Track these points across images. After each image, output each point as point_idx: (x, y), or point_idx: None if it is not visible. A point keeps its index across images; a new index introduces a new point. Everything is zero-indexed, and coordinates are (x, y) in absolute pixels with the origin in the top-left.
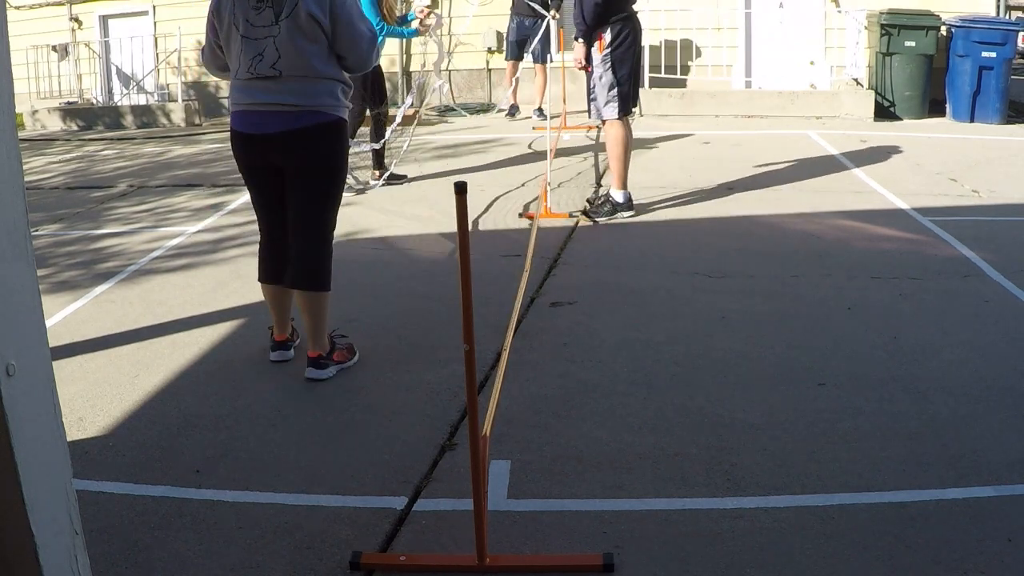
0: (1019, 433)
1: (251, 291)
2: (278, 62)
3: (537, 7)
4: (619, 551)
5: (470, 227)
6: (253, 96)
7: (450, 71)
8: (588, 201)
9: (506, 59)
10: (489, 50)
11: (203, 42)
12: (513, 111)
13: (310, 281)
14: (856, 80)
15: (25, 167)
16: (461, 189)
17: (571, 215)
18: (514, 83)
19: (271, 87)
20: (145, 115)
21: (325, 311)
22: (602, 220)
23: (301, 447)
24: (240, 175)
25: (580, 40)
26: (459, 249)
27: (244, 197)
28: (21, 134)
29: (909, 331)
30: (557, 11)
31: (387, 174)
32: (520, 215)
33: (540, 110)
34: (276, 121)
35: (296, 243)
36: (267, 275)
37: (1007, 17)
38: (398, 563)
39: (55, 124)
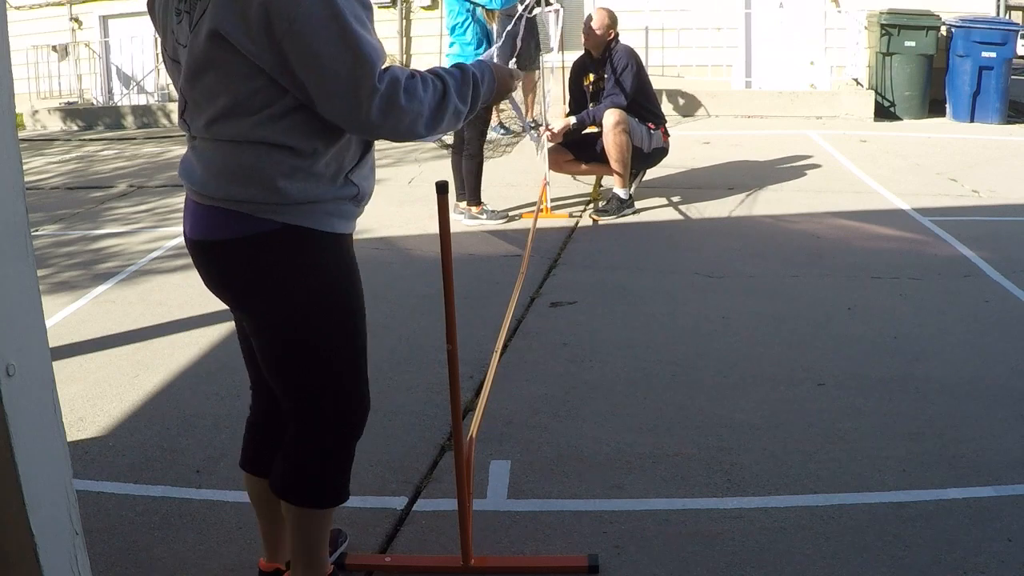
0: (1019, 433)
1: None
2: (186, 109)
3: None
4: (619, 551)
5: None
6: (183, 165)
7: None
8: (594, 199)
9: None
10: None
11: None
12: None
13: (295, 490)
14: (856, 80)
15: (25, 167)
16: (442, 189)
17: (571, 215)
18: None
19: (188, 156)
20: (145, 115)
21: (320, 530)
22: (610, 219)
23: None
24: None
25: (572, 120)
26: (441, 248)
27: None
28: (21, 134)
29: (909, 331)
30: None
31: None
32: (520, 215)
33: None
34: (197, 219)
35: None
36: (247, 460)
37: (1007, 17)
38: (383, 564)
39: (55, 124)
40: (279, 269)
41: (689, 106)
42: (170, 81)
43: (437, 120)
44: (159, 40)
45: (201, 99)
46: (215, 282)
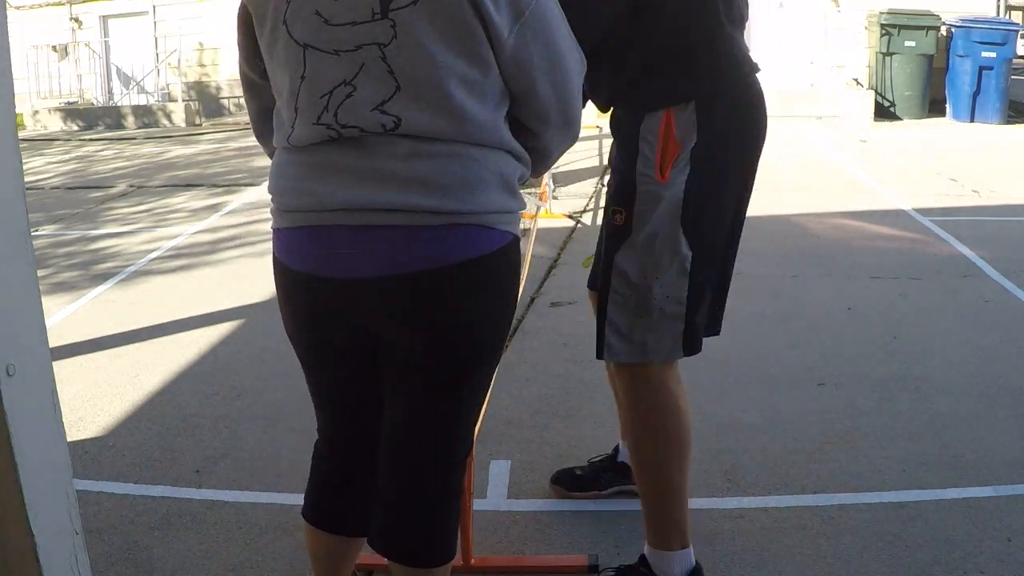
0: (1019, 433)
1: (251, 291)
2: (391, 100)
3: None
4: (619, 551)
5: None
6: (324, 185)
7: None
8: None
9: None
10: None
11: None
12: None
13: (414, 549)
14: (856, 80)
15: (25, 167)
16: None
17: (571, 215)
18: None
19: (375, 164)
20: (145, 115)
21: None
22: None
23: (301, 447)
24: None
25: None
26: None
27: (244, 197)
28: (21, 134)
29: (909, 331)
30: None
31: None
32: (520, 215)
33: None
34: (388, 247)
35: (395, 477)
36: (318, 514)
37: (1007, 17)
38: (384, 564)
39: (56, 124)
40: (502, 288)
41: None
42: (170, 81)
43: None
44: (254, 19)
45: (426, 81)
46: (401, 322)
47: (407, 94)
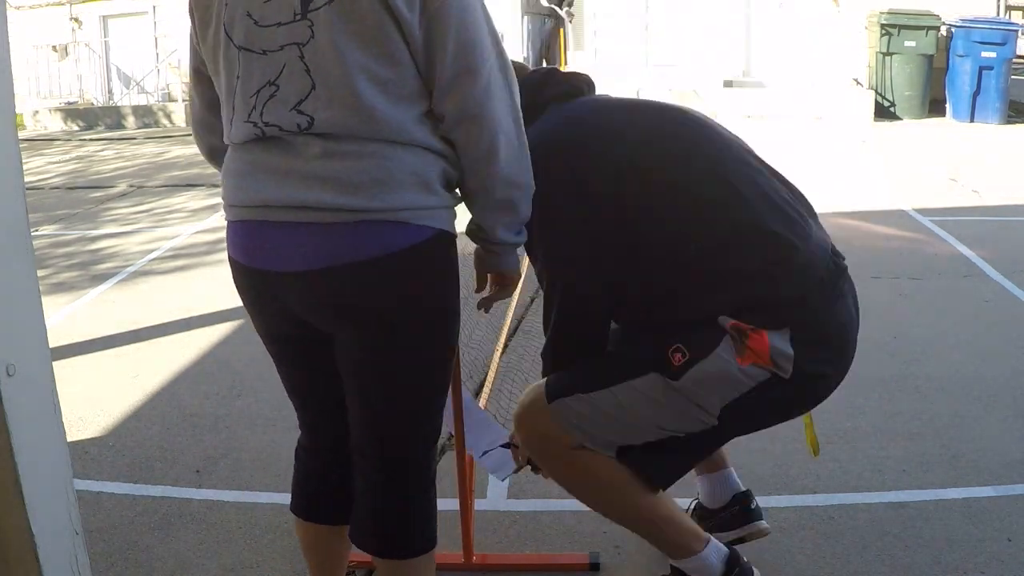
0: (1019, 433)
1: None
2: (307, 99)
3: (554, 6)
4: (619, 551)
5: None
6: (254, 182)
7: None
8: None
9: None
10: None
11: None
12: None
13: (389, 541)
14: (856, 80)
15: (25, 167)
16: None
17: None
18: None
19: (293, 163)
20: (146, 115)
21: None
22: None
23: None
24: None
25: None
26: None
27: None
28: (21, 134)
29: (909, 331)
30: (570, 6)
31: None
32: None
33: None
34: (306, 243)
35: (358, 471)
36: (302, 505)
37: (1007, 17)
38: None
39: (56, 124)
40: (428, 280)
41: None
42: (170, 81)
43: (519, 195)
44: (195, 20)
45: (341, 79)
46: (335, 313)
47: (321, 93)
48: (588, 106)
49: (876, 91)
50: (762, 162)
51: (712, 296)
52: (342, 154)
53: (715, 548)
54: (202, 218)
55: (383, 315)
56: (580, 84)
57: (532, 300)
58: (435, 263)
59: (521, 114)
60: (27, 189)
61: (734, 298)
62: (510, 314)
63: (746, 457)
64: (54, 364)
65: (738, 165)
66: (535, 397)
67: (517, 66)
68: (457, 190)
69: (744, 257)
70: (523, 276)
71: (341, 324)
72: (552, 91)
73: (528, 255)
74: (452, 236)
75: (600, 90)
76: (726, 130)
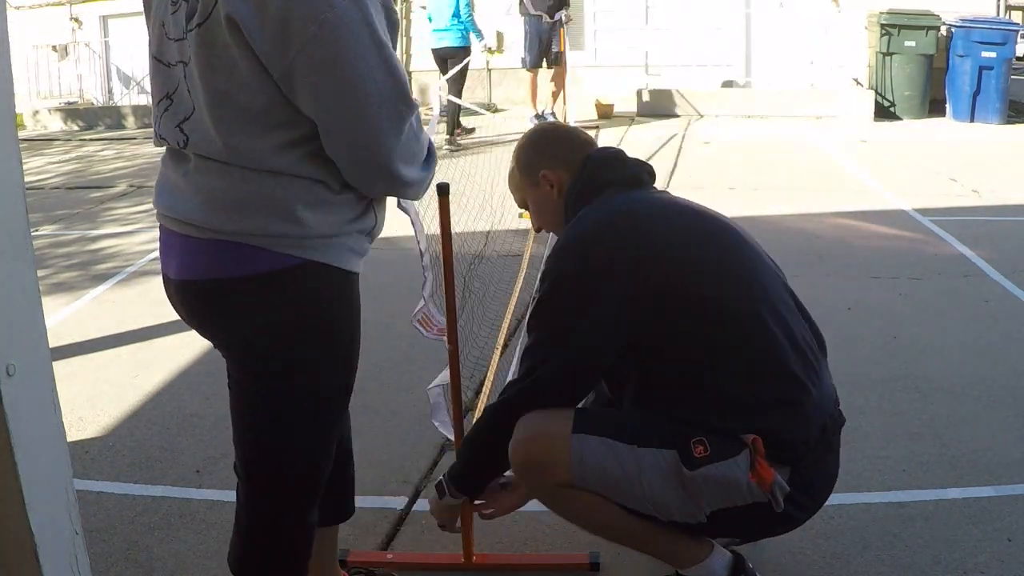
0: (1019, 433)
1: None
2: (189, 119)
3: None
4: (619, 550)
5: (470, 228)
6: (161, 189)
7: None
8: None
9: (530, 68)
10: (489, 50)
11: None
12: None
13: (242, 565)
14: (856, 80)
15: (25, 167)
16: (443, 191)
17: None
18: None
19: (179, 177)
20: (146, 115)
21: None
22: None
23: None
24: None
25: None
26: (442, 250)
27: None
28: (21, 134)
29: (909, 331)
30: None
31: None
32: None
33: (541, 115)
34: (191, 256)
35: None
36: None
37: (1007, 17)
38: (385, 561)
39: (56, 124)
40: (291, 311)
41: (689, 106)
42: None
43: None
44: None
45: (210, 109)
46: (209, 325)
47: (197, 114)
48: (647, 205)
49: (876, 91)
50: (794, 296)
51: (726, 417)
52: (209, 173)
53: (719, 554)
54: None
55: (239, 337)
56: (642, 174)
57: (532, 300)
58: (299, 293)
59: (409, 123)
60: (27, 189)
61: (747, 427)
62: (509, 315)
63: None
64: (54, 364)
65: (776, 304)
66: (559, 426)
67: (583, 139)
68: (356, 223)
69: (762, 390)
70: (523, 276)
71: (211, 334)
72: (613, 175)
73: (533, 318)
74: (331, 268)
75: (600, 90)
76: (770, 259)
